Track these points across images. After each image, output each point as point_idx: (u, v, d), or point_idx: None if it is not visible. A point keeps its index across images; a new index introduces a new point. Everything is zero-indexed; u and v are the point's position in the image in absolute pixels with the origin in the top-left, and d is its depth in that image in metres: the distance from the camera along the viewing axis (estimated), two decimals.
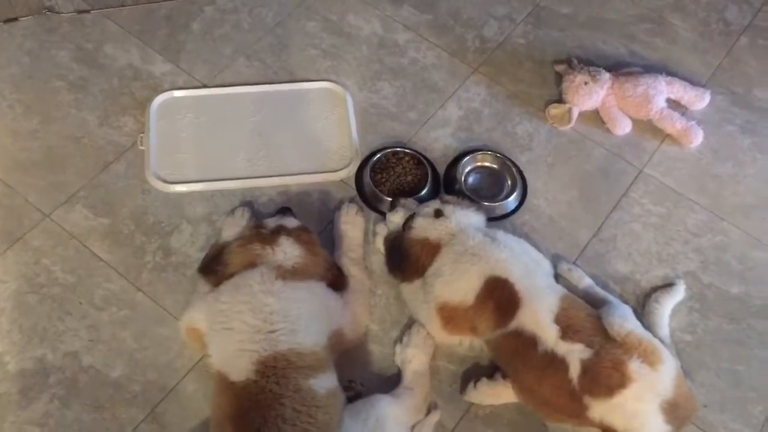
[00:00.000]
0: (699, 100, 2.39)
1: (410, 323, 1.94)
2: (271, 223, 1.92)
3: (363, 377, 1.86)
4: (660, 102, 2.32)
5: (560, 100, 2.38)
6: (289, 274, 1.77)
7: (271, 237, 1.84)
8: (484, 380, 1.84)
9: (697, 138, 2.31)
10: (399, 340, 1.91)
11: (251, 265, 1.79)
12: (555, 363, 1.67)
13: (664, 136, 2.35)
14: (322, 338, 1.73)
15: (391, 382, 1.85)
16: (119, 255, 2.03)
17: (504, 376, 1.83)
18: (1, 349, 1.87)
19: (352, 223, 2.07)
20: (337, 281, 1.89)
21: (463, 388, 1.85)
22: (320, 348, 1.71)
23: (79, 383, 1.84)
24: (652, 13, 2.68)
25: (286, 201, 2.14)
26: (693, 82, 2.43)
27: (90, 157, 2.20)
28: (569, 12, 2.66)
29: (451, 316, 1.83)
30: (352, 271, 1.97)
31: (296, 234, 1.87)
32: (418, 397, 1.80)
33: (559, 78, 2.43)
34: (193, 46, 2.48)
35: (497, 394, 1.83)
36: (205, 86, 2.38)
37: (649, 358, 1.67)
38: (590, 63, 2.43)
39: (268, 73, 2.43)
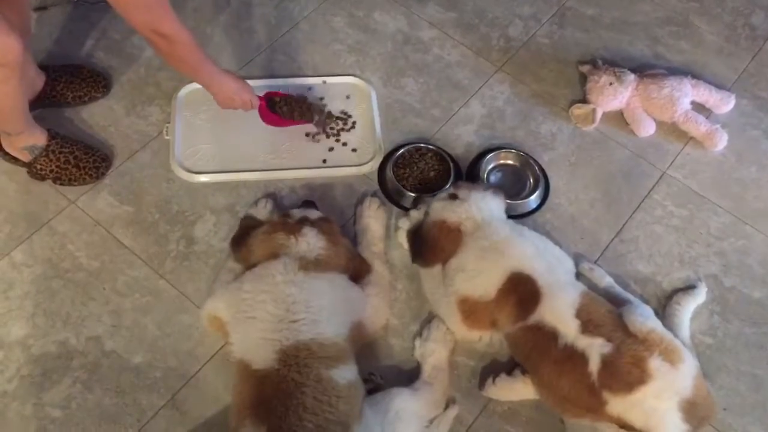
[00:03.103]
0: (724, 103, 2.39)
1: (430, 318, 1.94)
2: (296, 213, 1.94)
3: (382, 370, 1.86)
4: (685, 104, 2.32)
5: (584, 101, 2.38)
6: (312, 265, 1.78)
7: (295, 227, 1.85)
8: (503, 376, 1.84)
9: (722, 141, 2.30)
10: (419, 334, 1.91)
11: (275, 255, 1.81)
12: (575, 357, 1.67)
13: (687, 138, 2.34)
14: (344, 330, 1.74)
15: (410, 375, 1.85)
16: (143, 242, 2.05)
17: (523, 372, 1.82)
18: (25, 332, 1.89)
19: (374, 218, 2.08)
20: (359, 270, 1.91)
21: (482, 384, 1.85)
22: (341, 339, 1.71)
23: (102, 368, 1.86)
24: (678, 15, 2.67)
25: (309, 194, 2.16)
26: (718, 85, 2.42)
27: (116, 146, 2.22)
28: (594, 13, 2.66)
29: (471, 311, 1.83)
30: (374, 265, 1.97)
31: (319, 224, 1.89)
32: (437, 391, 1.80)
33: (583, 78, 2.43)
34: (220, 38, 2.50)
35: (516, 389, 1.83)
36: None
37: (670, 356, 1.66)
38: (615, 64, 2.42)
39: (293, 67, 2.45)
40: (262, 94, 2.18)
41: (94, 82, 2.28)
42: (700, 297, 2.00)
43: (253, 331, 1.68)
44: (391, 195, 2.18)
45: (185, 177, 2.17)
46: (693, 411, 1.66)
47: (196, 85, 2.34)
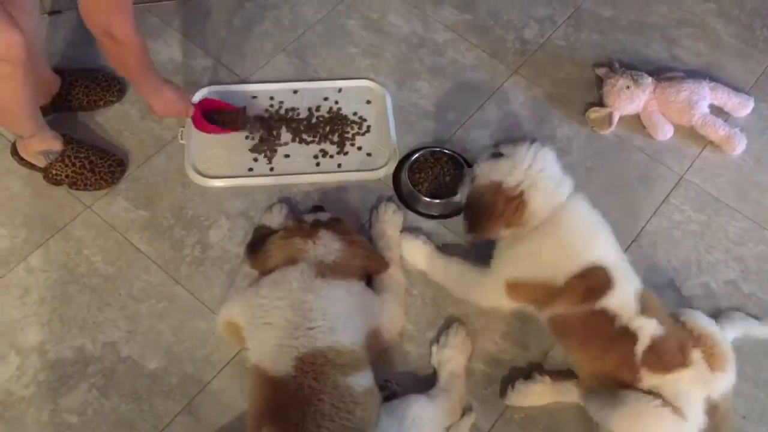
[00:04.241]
0: (742, 107, 2.36)
1: (447, 324, 1.93)
2: (309, 218, 1.94)
3: (399, 377, 1.85)
4: (703, 108, 2.30)
5: (601, 104, 2.36)
6: (329, 270, 1.77)
7: (311, 231, 1.85)
8: (521, 380, 1.83)
9: (740, 145, 2.28)
10: (435, 340, 1.90)
11: (292, 260, 1.80)
12: (626, 336, 1.67)
13: (705, 142, 2.32)
14: (360, 337, 1.73)
15: (426, 382, 1.84)
16: (158, 248, 2.05)
17: (541, 374, 1.84)
18: (42, 337, 1.90)
19: (389, 222, 2.07)
20: (378, 267, 1.92)
21: (502, 393, 1.84)
22: (358, 347, 1.71)
23: (118, 373, 1.86)
24: (695, 18, 2.65)
25: (324, 198, 2.15)
26: (736, 88, 2.40)
27: (131, 150, 2.22)
28: (611, 15, 2.64)
29: (523, 289, 1.79)
30: (390, 270, 1.96)
31: (333, 225, 1.89)
32: (453, 398, 1.79)
33: (600, 81, 2.41)
34: (234, 41, 2.49)
35: (536, 392, 1.82)
36: (244, 82, 2.39)
37: (715, 360, 1.69)
38: (632, 67, 2.41)
39: (308, 70, 2.44)
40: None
41: (109, 86, 2.28)
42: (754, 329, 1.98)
43: (269, 338, 1.68)
44: (406, 200, 2.17)
45: (200, 182, 2.17)
46: (713, 414, 1.66)
47: (209, 89, 2.34)
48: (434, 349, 1.89)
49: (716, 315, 1.97)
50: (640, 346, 1.65)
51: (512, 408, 1.84)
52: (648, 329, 1.67)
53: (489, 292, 1.87)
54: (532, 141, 1.80)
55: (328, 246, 1.82)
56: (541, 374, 1.84)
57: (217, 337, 1.90)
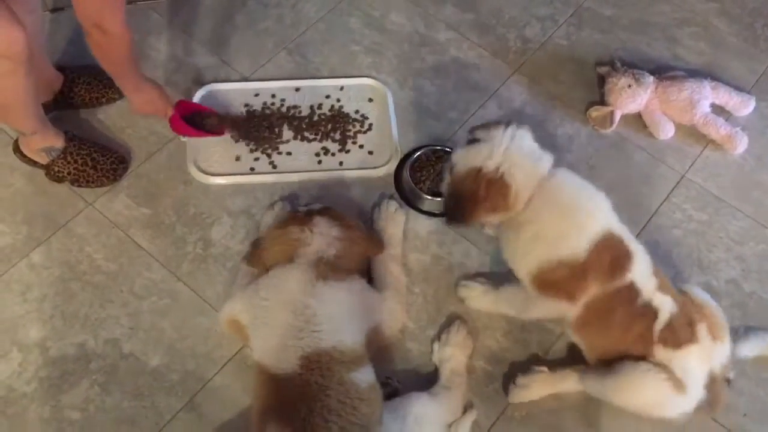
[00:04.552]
0: (744, 106, 2.37)
1: (448, 322, 1.94)
2: (302, 209, 1.97)
3: (400, 374, 1.86)
4: (704, 107, 2.30)
5: (602, 103, 2.37)
6: (330, 270, 1.77)
7: (305, 218, 1.86)
8: (521, 375, 1.84)
9: (742, 144, 2.28)
10: (437, 338, 1.90)
11: (290, 254, 1.80)
12: (648, 313, 1.69)
13: (707, 141, 2.33)
14: (361, 335, 1.74)
15: (427, 380, 1.85)
16: (160, 245, 2.05)
17: (541, 365, 1.86)
18: (44, 334, 1.90)
19: (391, 220, 2.07)
20: (375, 249, 1.95)
21: (506, 392, 1.85)
22: (360, 345, 1.71)
23: (119, 370, 1.86)
24: (697, 17, 2.65)
25: (326, 196, 2.15)
26: (738, 88, 2.40)
27: (133, 147, 2.23)
28: (612, 14, 2.64)
29: (552, 280, 1.71)
30: (390, 268, 1.96)
31: (326, 212, 1.90)
32: (455, 396, 1.79)
33: (601, 80, 2.41)
34: (236, 39, 2.50)
35: (537, 383, 1.83)
36: (246, 79, 2.39)
37: (715, 330, 1.75)
38: (633, 66, 2.40)
39: (309, 68, 2.44)
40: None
41: (111, 83, 2.27)
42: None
43: (273, 338, 1.68)
44: (407, 198, 2.17)
45: (202, 179, 2.17)
46: (713, 386, 1.72)
47: (211, 87, 2.34)
48: (435, 346, 1.89)
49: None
50: (660, 323, 1.68)
51: (513, 406, 1.84)
52: (667, 306, 1.70)
53: (533, 299, 1.80)
54: (508, 123, 1.76)
55: (325, 234, 1.82)
56: (538, 365, 1.85)
57: (219, 334, 1.90)
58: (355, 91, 2.38)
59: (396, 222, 2.08)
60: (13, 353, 1.87)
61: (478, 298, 1.96)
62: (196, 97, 2.31)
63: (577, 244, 1.67)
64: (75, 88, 2.24)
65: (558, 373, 1.84)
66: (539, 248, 1.70)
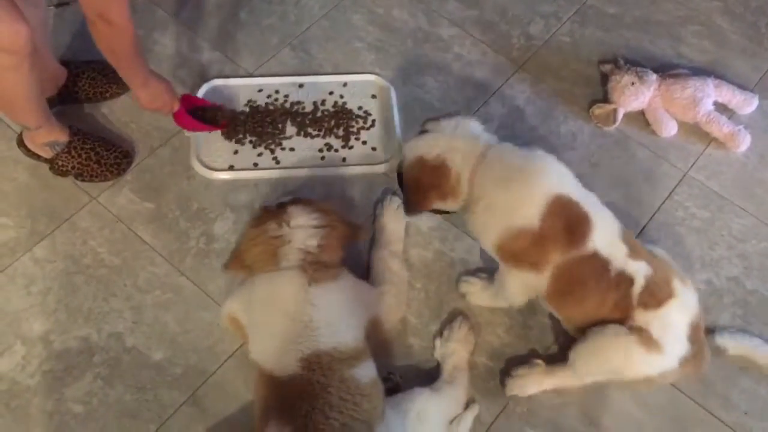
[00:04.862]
0: (747, 104, 2.37)
1: (450, 318, 1.94)
2: (272, 204, 1.96)
3: (402, 370, 1.86)
4: (707, 105, 2.30)
5: (605, 100, 2.37)
6: (319, 270, 1.76)
7: (280, 211, 1.86)
8: (516, 368, 1.85)
9: (744, 142, 2.29)
10: (439, 334, 1.91)
11: (273, 253, 1.79)
12: (622, 280, 1.70)
13: (710, 139, 2.33)
14: (360, 331, 1.74)
15: (429, 375, 1.85)
16: (163, 239, 2.06)
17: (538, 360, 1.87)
18: (48, 327, 1.91)
19: (393, 217, 2.08)
20: (355, 231, 1.94)
21: (503, 384, 1.85)
22: (359, 341, 1.72)
23: (123, 364, 1.87)
24: (701, 15, 2.65)
25: (329, 192, 2.16)
26: (741, 86, 2.40)
27: (137, 142, 2.23)
28: (616, 12, 2.64)
29: (512, 249, 1.74)
30: (391, 264, 1.97)
31: (297, 201, 1.90)
32: (457, 391, 1.80)
33: (604, 78, 2.41)
34: (240, 35, 2.50)
35: (534, 376, 1.84)
36: (250, 75, 2.40)
37: (681, 279, 1.78)
38: (637, 64, 2.41)
39: (313, 64, 2.45)
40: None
41: (116, 78, 2.27)
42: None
43: (272, 343, 1.69)
44: None
45: (205, 174, 2.17)
46: (696, 334, 1.73)
47: (216, 82, 2.35)
48: (438, 342, 1.89)
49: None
50: (637, 289, 1.70)
51: (515, 402, 1.85)
52: (642, 271, 1.71)
53: (506, 277, 1.84)
54: (456, 114, 1.87)
55: (303, 225, 1.81)
56: (536, 359, 1.87)
57: (222, 329, 1.91)
58: (358, 87, 2.39)
59: (398, 218, 2.08)
60: (17, 346, 1.88)
61: (479, 293, 1.97)
62: (201, 92, 2.31)
63: (527, 211, 1.70)
64: (79, 82, 2.24)
65: (555, 366, 1.84)
66: (493, 221, 1.75)
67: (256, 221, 1.88)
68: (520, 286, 1.81)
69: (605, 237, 1.71)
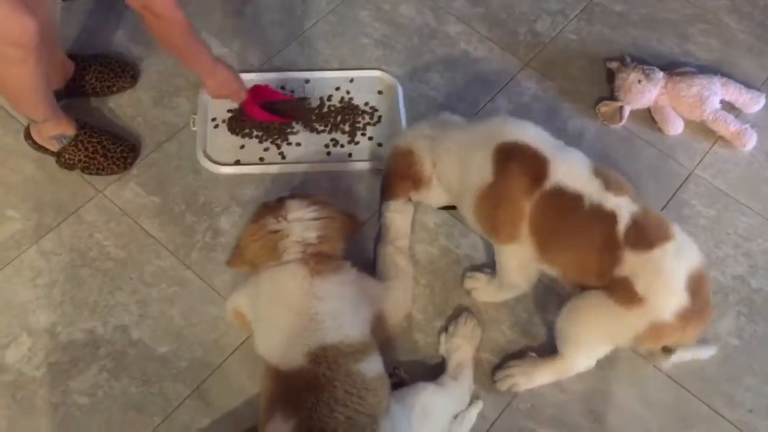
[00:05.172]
0: (754, 103, 2.36)
1: (456, 314, 1.94)
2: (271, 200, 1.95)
3: (407, 365, 1.86)
4: (714, 103, 2.30)
5: (611, 98, 2.37)
6: (321, 263, 1.76)
7: (278, 205, 1.85)
8: (509, 362, 1.86)
9: (751, 141, 2.28)
10: (444, 329, 1.91)
11: (273, 248, 1.79)
12: (603, 216, 1.64)
13: (716, 137, 2.32)
14: (365, 325, 1.74)
15: (434, 371, 1.85)
16: (169, 233, 2.06)
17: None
18: (54, 319, 1.91)
19: (399, 212, 2.07)
20: (352, 223, 1.94)
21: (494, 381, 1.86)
22: (365, 334, 1.72)
23: (128, 356, 1.87)
24: (708, 13, 2.65)
25: (335, 187, 2.16)
26: (748, 84, 2.40)
27: (143, 136, 2.24)
28: (623, 10, 2.64)
29: (486, 209, 1.76)
30: (397, 260, 1.97)
31: (294, 196, 1.89)
32: (462, 387, 1.80)
33: (611, 75, 2.41)
34: (247, 30, 2.50)
35: (526, 368, 1.84)
36: (257, 70, 2.40)
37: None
38: (643, 62, 2.40)
39: (320, 59, 2.45)
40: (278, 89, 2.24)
41: (123, 72, 2.29)
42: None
43: (277, 337, 1.69)
44: None
45: (211, 168, 2.18)
46: (696, 288, 1.62)
47: None
48: (443, 338, 1.90)
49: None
50: (622, 224, 1.62)
51: (519, 398, 1.85)
52: (625, 206, 1.64)
53: (502, 257, 1.85)
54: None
55: (301, 218, 1.80)
56: (531, 352, 1.88)
57: (227, 322, 1.91)
58: (364, 83, 2.39)
59: (404, 214, 2.08)
60: (23, 338, 1.89)
61: (484, 287, 1.97)
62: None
63: (480, 171, 1.74)
64: (86, 76, 2.25)
65: (546, 358, 1.84)
66: (463, 193, 1.82)
67: (256, 217, 1.88)
68: (515, 260, 1.81)
69: (570, 172, 1.67)
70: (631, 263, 1.62)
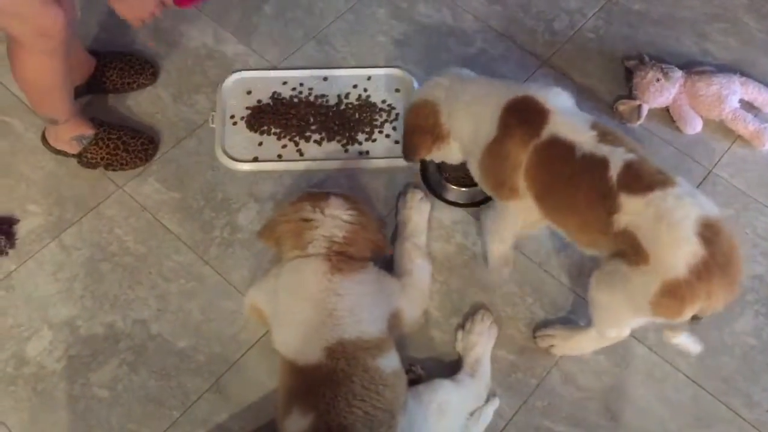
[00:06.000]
0: None
1: (472, 311, 1.95)
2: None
3: (423, 362, 1.87)
4: (733, 102, 2.29)
5: (629, 96, 2.36)
6: (344, 260, 1.77)
7: (321, 196, 1.86)
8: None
9: None
10: (461, 326, 1.92)
11: (299, 234, 1.80)
12: (594, 163, 1.59)
13: (735, 137, 2.31)
14: (383, 322, 1.75)
15: (450, 368, 1.86)
16: (188, 229, 2.08)
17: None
18: (74, 313, 1.94)
19: (416, 209, 2.08)
20: (382, 246, 1.91)
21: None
22: (383, 331, 1.73)
23: (147, 351, 1.89)
24: (727, 12, 2.63)
25: (352, 184, 2.17)
26: (767, 84, 2.38)
27: (163, 133, 2.26)
28: (641, 8, 2.63)
29: (491, 165, 1.76)
30: (414, 257, 1.97)
31: (342, 195, 1.90)
32: (479, 384, 1.81)
33: (629, 74, 2.40)
34: (265, 28, 2.52)
35: (566, 333, 1.87)
36: (275, 68, 2.42)
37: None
38: (662, 60, 2.40)
39: (337, 57, 2.46)
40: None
41: (143, 69, 2.31)
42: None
43: (295, 332, 1.70)
44: (433, 187, 2.18)
45: (230, 165, 2.19)
46: (711, 236, 1.46)
47: (241, 75, 2.36)
48: (459, 335, 1.90)
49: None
50: (614, 170, 1.56)
51: (535, 396, 1.85)
52: (617, 154, 1.58)
53: (507, 215, 1.86)
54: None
55: (335, 216, 1.82)
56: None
57: (245, 317, 1.93)
58: (382, 81, 2.39)
59: (421, 211, 2.09)
60: (44, 331, 1.91)
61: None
62: (226, 84, 2.33)
63: (489, 124, 1.74)
64: (107, 72, 2.27)
65: (585, 327, 1.84)
66: (473, 150, 1.81)
67: (298, 199, 1.89)
68: (515, 212, 1.82)
69: (566, 124, 1.66)
70: (629, 210, 1.53)
